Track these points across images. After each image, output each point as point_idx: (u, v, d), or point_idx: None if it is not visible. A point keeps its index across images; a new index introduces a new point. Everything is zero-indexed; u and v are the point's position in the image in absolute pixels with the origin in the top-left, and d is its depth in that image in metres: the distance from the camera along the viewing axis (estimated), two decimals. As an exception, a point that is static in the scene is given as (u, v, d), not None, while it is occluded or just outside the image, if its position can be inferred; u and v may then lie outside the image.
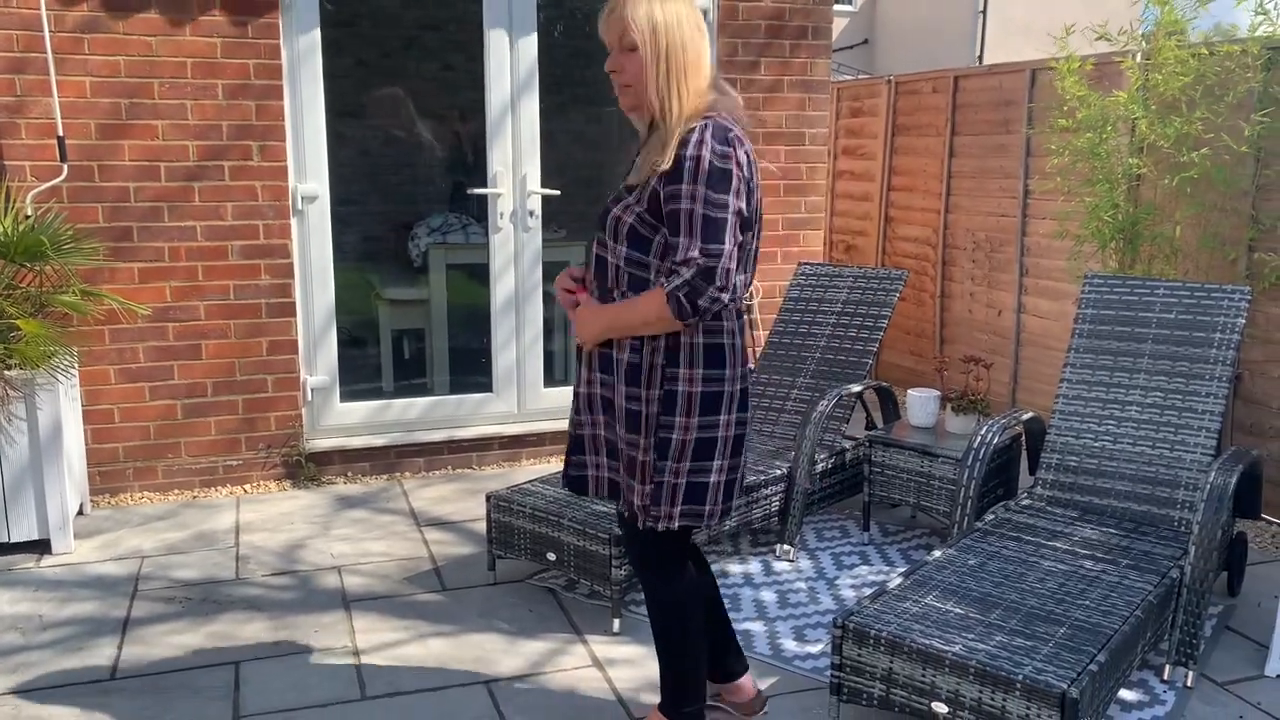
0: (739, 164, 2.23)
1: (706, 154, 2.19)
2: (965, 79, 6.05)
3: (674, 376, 2.32)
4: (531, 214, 4.95)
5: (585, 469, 2.54)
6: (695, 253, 2.20)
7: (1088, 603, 2.84)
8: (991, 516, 3.46)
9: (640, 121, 2.39)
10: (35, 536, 3.88)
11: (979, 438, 3.63)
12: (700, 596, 2.59)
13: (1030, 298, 5.60)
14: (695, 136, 2.21)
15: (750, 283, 2.38)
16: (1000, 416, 3.78)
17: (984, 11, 21.17)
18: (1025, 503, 3.58)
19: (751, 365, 4.83)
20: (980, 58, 20.79)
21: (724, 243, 2.20)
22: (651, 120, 2.33)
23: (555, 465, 5.04)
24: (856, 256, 7.02)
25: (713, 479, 2.38)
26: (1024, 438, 4.00)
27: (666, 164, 2.22)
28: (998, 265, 5.81)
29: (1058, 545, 3.23)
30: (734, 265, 2.22)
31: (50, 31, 4.09)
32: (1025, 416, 3.83)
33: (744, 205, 2.25)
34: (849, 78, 10.48)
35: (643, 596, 3.39)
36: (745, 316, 2.48)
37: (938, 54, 21.15)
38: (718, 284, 2.20)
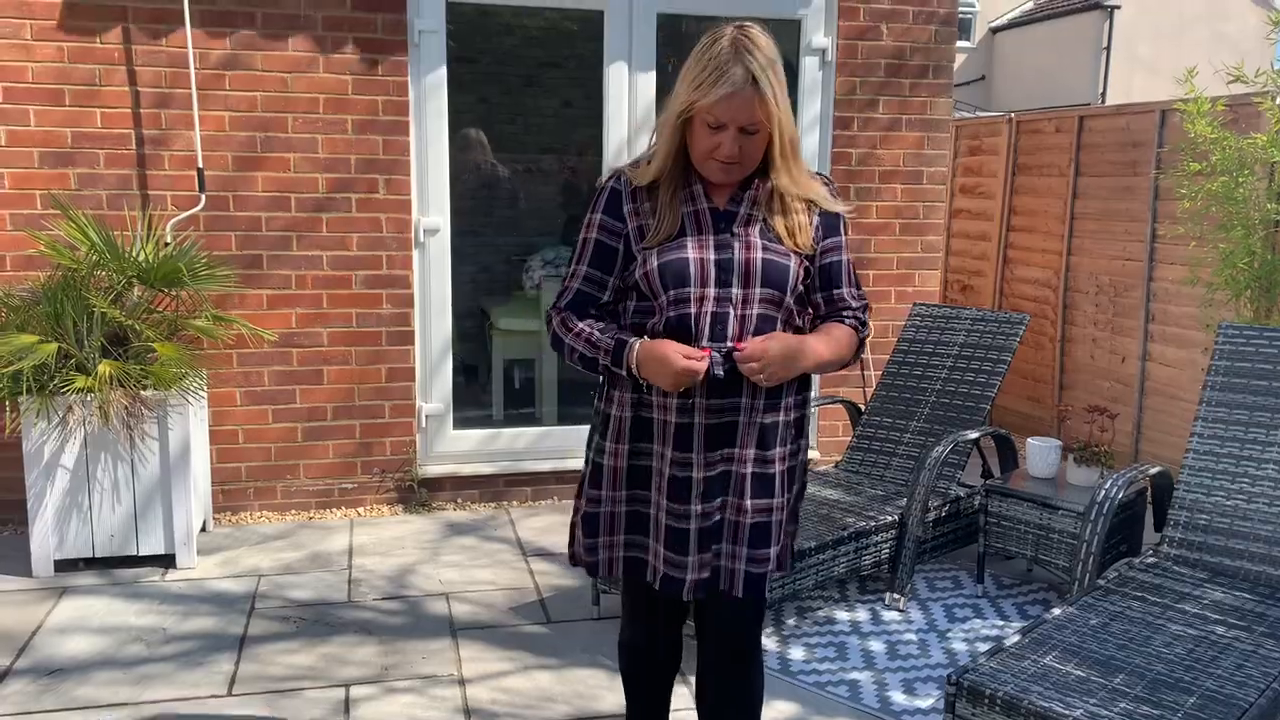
0: None
1: (846, 207, 2.30)
2: (1091, 119, 5.89)
3: (791, 405, 2.27)
4: (645, 249, 4.98)
5: (689, 570, 2.20)
6: (863, 300, 2.30)
7: (1220, 671, 2.70)
8: (1114, 574, 3.33)
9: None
10: (162, 551, 4.03)
11: (1103, 491, 3.50)
12: None
13: (1156, 345, 5.40)
14: (835, 190, 2.27)
15: None
16: (1125, 470, 3.64)
17: (1108, 49, 20.68)
18: (1150, 561, 3.43)
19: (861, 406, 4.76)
20: (1103, 96, 20.27)
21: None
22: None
23: (661, 500, 5.02)
24: (973, 297, 6.87)
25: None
26: (1150, 492, 3.84)
27: (813, 218, 2.22)
28: (1122, 310, 5.62)
29: (1186, 608, 3.09)
30: None
31: (195, 69, 4.30)
32: (1152, 471, 3.68)
33: None
34: (967, 115, 10.31)
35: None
36: None
37: (1057, 92, 20.71)
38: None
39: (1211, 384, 3.61)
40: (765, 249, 2.15)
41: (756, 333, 2.14)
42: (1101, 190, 5.75)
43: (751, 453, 2.19)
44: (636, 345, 2.12)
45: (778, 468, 2.23)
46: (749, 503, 2.20)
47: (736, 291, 2.13)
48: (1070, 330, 6.03)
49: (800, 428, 2.30)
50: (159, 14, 4.26)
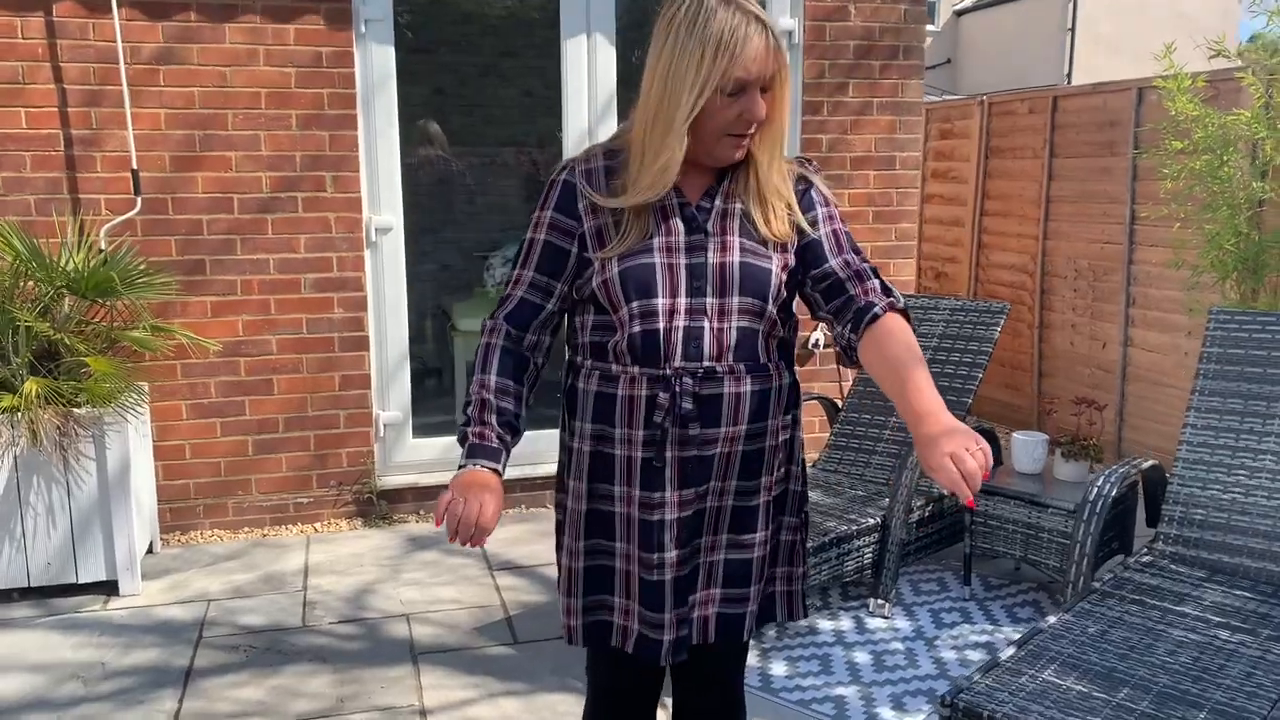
0: None
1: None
2: (1065, 99, 5.74)
3: (792, 422, 1.98)
4: (609, 244, 4.77)
5: (665, 629, 1.87)
6: (867, 264, 1.91)
7: (1228, 681, 2.54)
8: (1110, 576, 3.16)
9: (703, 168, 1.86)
10: (103, 577, 3.79)
11: (1095, 489, 3.33)
12: None
13: (1138, 330, 5.25)
14: (810, 166, 1.97)
15: None
16: (1118, 465, 3.48)
17: (1072, 29, 20.64)
18: (1146, 560, 3.27)
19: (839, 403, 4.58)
20: (1069, 76, 20.24)
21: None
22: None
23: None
24: (947, 284, 6.71)
25: None
26: (1141, 485, 3.68)
27: (807, 209, 1.89)
28: (1102, 295, 5.47)
29: (1187, 611, 2.92)
30: None
31: (126, 63, 4.05)
32: (1145, 465, 3.52)
33: None
34: (935, 98, 10.17)
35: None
36: None
37: (1022, 73, 20.66)
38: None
39: (1204, 372, 3.45)
40: (743, 249, 1.83)
41: (736, 349, 1.83)
42: (1078, 172, 5.60)
43: (732, 484, 1.89)
44: (463, 470, 1.81)
45: (761, 498, 1.92)
46: (724, 537, 1.91)
47: (711, 301, 1.81)
48: (1048, 316, 5.89)
49: (791, 451, 1.97)
50: (85, 6, 4.00)
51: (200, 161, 4.21)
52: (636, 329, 1.81)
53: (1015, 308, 6.09)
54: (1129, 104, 5.21)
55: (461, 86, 7.04)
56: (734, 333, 1.83)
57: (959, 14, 24.28)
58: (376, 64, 4.37)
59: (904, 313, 1.85)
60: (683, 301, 1.81)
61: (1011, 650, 2.69)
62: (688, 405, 1.81)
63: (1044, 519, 3.58)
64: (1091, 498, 3.31)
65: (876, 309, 1.82)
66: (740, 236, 1.84)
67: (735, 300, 1.82)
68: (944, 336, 4.25)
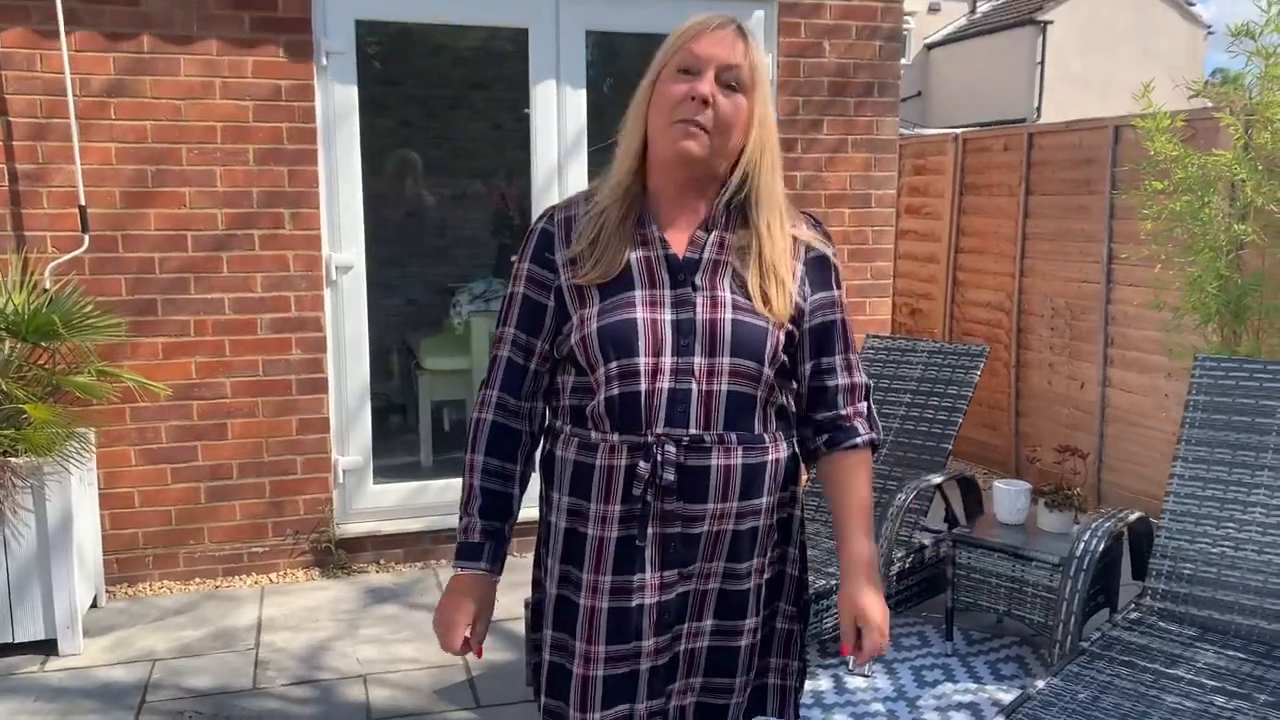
0: None
1: (833, 249, 1.81)
2: (1040, 136, 5.68)
3: (786, 500, 1.81)
4: (579, 282, 4.64)
5: (668, 706, 1.76)
6: (862, 375, 1.81)
7: (1227, 754, 2.41)
8: (1098, 635, 3.04)
9: (683, 181, 1.71)
10: (42, 636, 3.59)
11: (1082, 545, 3.21)
12: None
13: (1117, 370, 5.17)
14: (824, 231, 1.81)
15: None
16: (1103, 517, 3.36)
17: (1041, 64, 20.82)
18: (1134, 617, 3.15)
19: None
20: (1039, 110, 20.40)
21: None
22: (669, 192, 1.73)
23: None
24: (922, 320, 6.63)
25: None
26: (1126, 535, 3.57)
27: (797, 267, 1.73)
28: (1079, 334, 5.39)
29: (1180, 674, 2.80)
30: None
31: (75, 96, 3.89)
32: (1131, 518, 3.41)
33: None
34: (906, 133, 10.15)
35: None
36: None
37: (992, 107, 20.80)
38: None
39: (1190, 420, 3.35)
40: (736, 306, 1.67)
41: (728, 413, 1.66)
42: (1054, 209, 5.53)
43: (720, 565, 1.72)
44: (453, 575, 1.76)
45: (753, 581, 1.74)
46: (709, 623, 1.74)
47: (700, 361, 1.65)
48: (1025, 355, 5.80)
49: (788, 531, 1.80)
50: (31, 36, 3.84)
51: (152, 197, 4.05)
52: (615, 391, 1.66)
53: (992, 346, 5.98)
54: (1106, 142, 5.15)
55: (430, 119, 6.92)
56: (724, 397, 1.66)
57: (929, 47, 24.47)
58: (338, 97, 4.23)
59: (877, 446, 1.82)
60: (667, 361, 1.65)
61: (1000, 720, 2.55)
62: (669, 476, 1.64)
63: (1028, 572, 3.45)
64: (1078, 553, 3.19)
65: (859, 440, 1.77)
66: (732, 293, 1.68)
67: (727, 361, 1.66)
68: (922, 380, 4.14)
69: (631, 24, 4.52)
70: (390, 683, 3.43)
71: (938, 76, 23.96)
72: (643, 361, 1.64)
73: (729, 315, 1.66)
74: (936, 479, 3.71)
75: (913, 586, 3.73)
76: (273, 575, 4.33)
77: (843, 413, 1.77)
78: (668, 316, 1.66)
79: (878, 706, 3.27)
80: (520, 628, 3.81)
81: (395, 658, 3.60)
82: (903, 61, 5.24)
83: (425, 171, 6.89)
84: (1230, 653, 2.92)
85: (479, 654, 1.78)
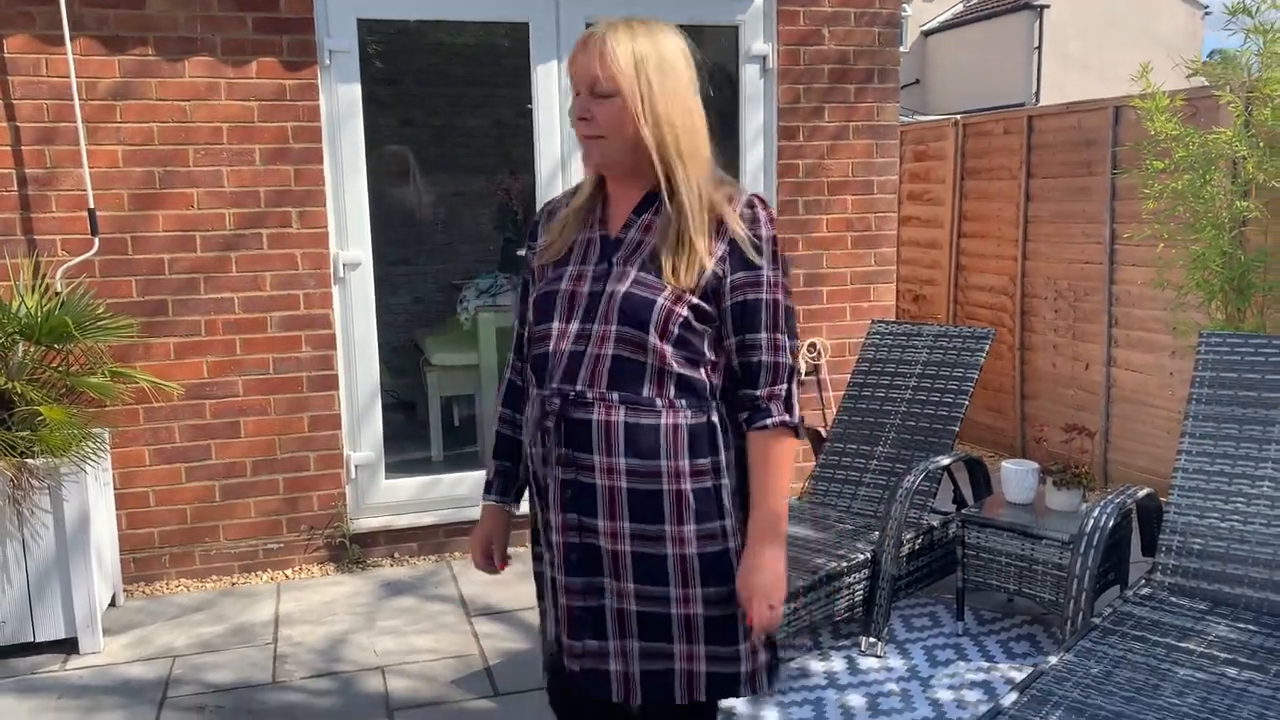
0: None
1: (773, 230, 1.87)
2: (1040, 119, 5.70)
3: (713, 469, 1.87)
4: (585, 275, 4.66)
5: (608, 660, 1.90)
6: (786, 355, 1.87)
7: (1240, 723, 2.44)
8: (1109, 610, 3.06)
9: (617, 180, 1.91)
10: (63, 635, 3.63)
11: (1091, 521, 3.24)
12: None
13: (1121, 350, 5.19)
14: (761, 213, 1.86)
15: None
16: (1113, 494, 3.39)
17: (1039, 48, 20.79)
18: (1145, 593, 3.18)
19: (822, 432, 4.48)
20: (1037, 95, 20.37)
21: (796, 334, 1.95)
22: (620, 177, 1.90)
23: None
24: (926, 306, 6.65)
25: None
26: (1135, 512, 3.60)
27: (718, 245, 1.83)
28: (1083, 315, 5.41)
29: (1191, 647, 2.83)
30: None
31: (81, 100, 3.91)
32: (1141, 494, 3.43)
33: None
34: (907, 119, 10.17)
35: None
36: None
37: (991, 92, 20.78)
38: (795, 387, 1.91)
39: (1197, 397, 3.37)
40: (636, 281, 1.82)
41: (612, 375, 1.81)
42: (1055, 192, 5.55)
43: (625, 526, 1.84)
44: (483, 503, 2.13)
45: (670, 550, 1.83)
46: (631, 586, 1.86)
47: (597, 329, 1.84)
48: (1029, 338, 5.82)
49: (716, 505, 1.85)
50: (36, 41, 3.87)
51: (161, 199, 4.08)
52: (535, 350, 1.93)
53: (996, 330, 6.01)
54: (1106, 123, 5.17)
55: (431, 116, 6.94)
56: (609, 360, 1.84)
57: (926, 34, 24.44)
58: (342, 96, 4.26)
59: (795, 429, 1.89)
60: (573, 327, 1.87)
61: (1014, 695, 2.58)
62: (549, 424, 1.87)
63: (1038, 551, 3.48)
64: (1088, 530, 3.22)
65: (769, 423, 1.86)
66: (641, 269, 1.85)
67: (614, 328, 1.83)
68: (928, 364, 4.16)
69: (632, 14, 4.53)
70: (409, 673, 3.46)
71: (935, 63, 23.93)
72: (555, 326, 1.88)
73: (623, 288, 1.84)
74: (945, 460, 3.73)
75: (923, 567, 3.76)
76: (288, 571, 4.37)
77: (759, 393, 1.87)
78: (586, 289, 1.88)
79: (891, 686, 3.30)
80: (534, 617, 3.85)
81: (413, 649, 3.64)
82: (900, 48, 5.25)
83: (429, 169, 6.91)
84: (1242, 625, 2.95)
85: (502, 568, 2.14)
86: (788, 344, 1.87)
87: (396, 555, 4.49)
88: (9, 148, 3.90)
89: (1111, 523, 3.25)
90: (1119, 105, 5.08)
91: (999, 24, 21.73)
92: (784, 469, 1.87)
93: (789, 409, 1.87)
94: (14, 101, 3.89)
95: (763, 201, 1.89)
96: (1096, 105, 5.31)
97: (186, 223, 4.12)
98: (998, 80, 21.11)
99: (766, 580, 1.82)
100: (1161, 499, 3.43)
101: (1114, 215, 5.14)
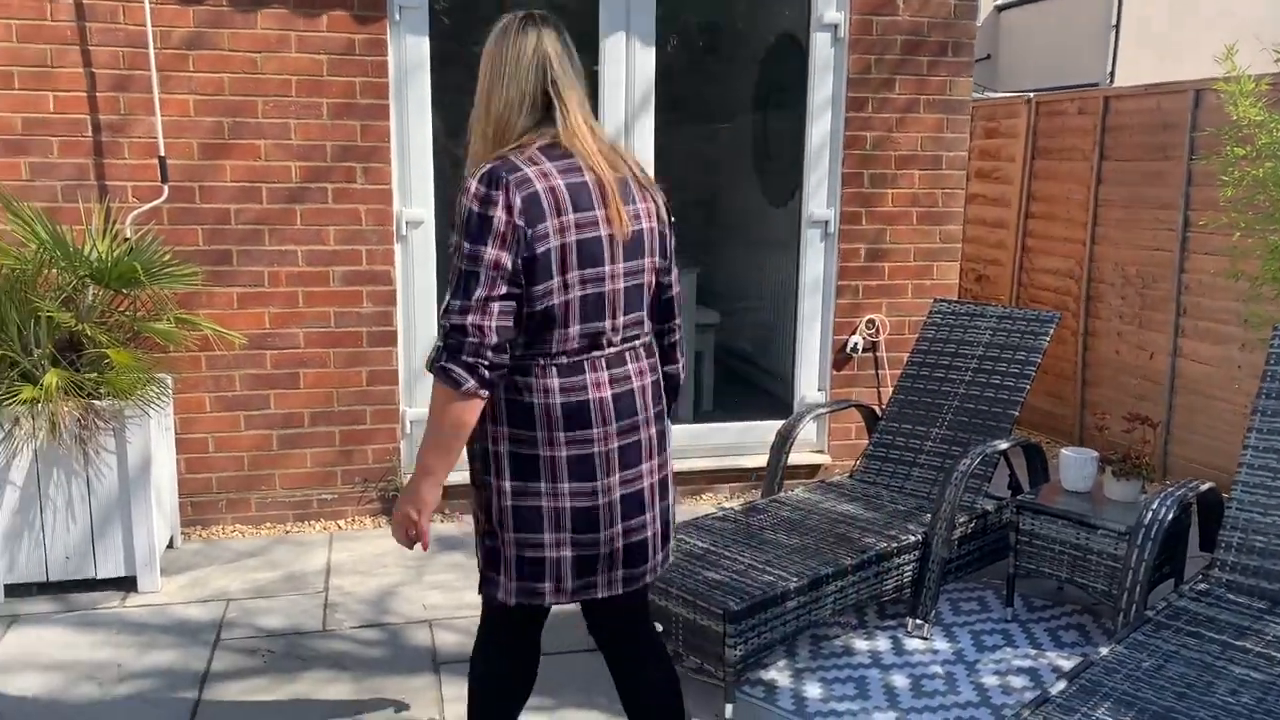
0: (508, 208, 1.98)
1: (467, 201, 2.01)
2: (1117, 99, 5.55)
3: (483, 433, 2.12)
4: (644, 241, 4.64)
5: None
6: (447, 314, 2.01)
7: (1295, 726, 2.39)
8: (1164, 604, 3.01)
9: None
10: (122, 573, 3.72)
11: (1150, 513, 3.17)
12: (503, 694, 2.37)
13: (1188, 340, 5.07)
14: (467, 185, 2.03)
15: (601, 331, 2.11)
16: (1174, 487, 3.32)
17: (1117, 26, 20.19)
18: (1202, 588, 3.12)
19: (875, 410, 4.44)
20: (1112, 74, 19.82)
21: (470, 296, 1.97)
22: None
23: (662, 509, 4.72)
24: (988, 287, 6.54)
25: (548, 554, 2.15)
26: (1195, 507, 3.52)
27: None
28: (1151, 303, 5.29)
29: (1248, 646, 2.77)
30: (489, 320, 1.98)
31: (155, 49, 3.96)
32: (1203, 488, 3.36)
33: (508, 255, 1.98)
34: (978, 95, 9.96)
35: (757, 678, 3.07)
36: (594, 373, 2.12)
37: (1064, 70, 20.24)
38: (471, 340, 1.97)
39: (1267, 391, 3.29)
40: None
41: None
42: (1129, 176, 5.41)
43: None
44: None
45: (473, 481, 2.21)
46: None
47: None
48: (1094, 324, 5.71)
49: (485, 462, 2.15)
50: (115, -11, 3.92)
51: (229, 149, 4.12)
52: None
53: (1060, 314, 5.91)
54: (1185, 106, 5.02)
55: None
56: None
57: (1000, 8, 23.87)
58: (410, 52, 4.26)
59: (447, 380, 1.99)
60: None
61: (1062, 684, 2.55)
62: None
63: (1093, 540, 3.43)
64: (1146, 521, 3.16)
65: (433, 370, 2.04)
66: None
67: None
68: (990, 345, 4.10)
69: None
70: (456, 628, 3.51)
71: (1008, 39, 23.39)
72: None
73: None
74: (1002, 445, 3.68)
75: (973, 551, 3.72)
76: (341, 522, 4.44)
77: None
78: None
79: (936, 669, 3.28)
80: (581, 580, 3.87)
81: (461, 604, 3.68)
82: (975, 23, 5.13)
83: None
84: (1301, 626, 2.88)
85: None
86: (452, 304, 1.99)
87: (448, 511, 4.54)
88: (85, 94, 3.96)
89: (1171, 516, 3.18)
90: (1200, 88, 4.93)
91: (1075, 1, 21.13)
92: (433, 414, 2.03)
93: (438, 359, 2.00)
94: (91, 48, 3.95)
95: (477, 177, 2.02)
96: (1177, 88, 5.16)
97: (253, 174, 4.16)
98: (1071, 59, 20.57)
99: (401, 510, 2.12)
100: (1223, 494, 3.36)
101: (1189, 202, 5.01)
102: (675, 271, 2.34)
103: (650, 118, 4.52)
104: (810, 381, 4.96)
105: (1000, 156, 6.43)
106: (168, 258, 3.86)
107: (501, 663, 2.35)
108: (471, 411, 2.00)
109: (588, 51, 4.52)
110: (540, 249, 2.00)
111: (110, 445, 3.61)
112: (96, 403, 3.54)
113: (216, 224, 4.15)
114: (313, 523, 4.43)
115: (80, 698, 3.04)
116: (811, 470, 4.91)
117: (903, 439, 4.09)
